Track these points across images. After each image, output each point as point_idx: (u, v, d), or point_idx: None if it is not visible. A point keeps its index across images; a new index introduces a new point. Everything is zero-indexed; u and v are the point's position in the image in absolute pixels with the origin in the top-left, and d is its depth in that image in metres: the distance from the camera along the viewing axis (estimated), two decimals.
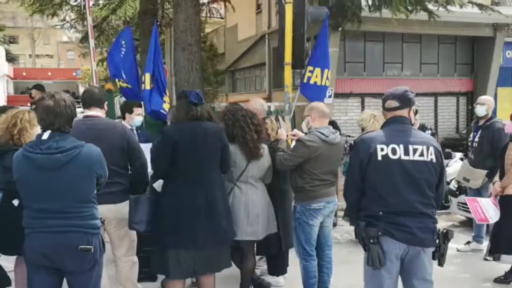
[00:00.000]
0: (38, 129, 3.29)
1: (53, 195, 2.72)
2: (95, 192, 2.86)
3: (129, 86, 6.35)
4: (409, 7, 8.63)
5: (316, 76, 6.08)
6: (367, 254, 2.88)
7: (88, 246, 2.74)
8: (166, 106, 6.03)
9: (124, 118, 5.13)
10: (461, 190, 6.32)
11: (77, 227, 2.74)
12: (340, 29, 12.11)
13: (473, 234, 5.86)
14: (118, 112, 7.63)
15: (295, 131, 4.26)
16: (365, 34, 14.49)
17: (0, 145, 3.57)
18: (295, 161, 3.90)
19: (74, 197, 2.76)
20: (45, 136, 2.74)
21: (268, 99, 16.15)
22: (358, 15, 9.44)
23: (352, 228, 6.08)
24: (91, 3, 10.20)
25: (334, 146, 3.97)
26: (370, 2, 9.03)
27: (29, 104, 8.21)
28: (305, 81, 6.15)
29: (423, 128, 6.18)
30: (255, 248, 4.30)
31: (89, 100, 3.71)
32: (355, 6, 9.12)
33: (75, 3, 15.31)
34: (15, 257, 3.73)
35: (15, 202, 3.44)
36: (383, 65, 15.82)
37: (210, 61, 19.63)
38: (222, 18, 19.49)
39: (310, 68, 6.09)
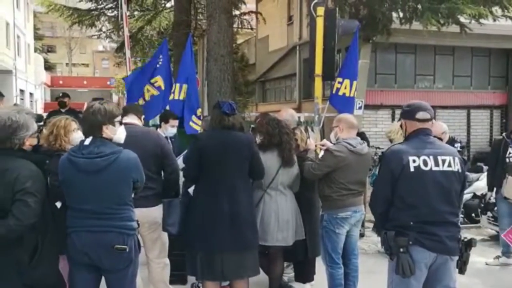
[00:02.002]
0: (76, 135, 3.51)
1: (92, 197, 2.90)
2: (132, 195, 3.02)
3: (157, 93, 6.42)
4: (440, 20, 8.61)
5: (345, 88, 6.16)
6: (396, 263, 2.93)
7: (123, 246, 2.90)
8: (195, 126, 6.08)
9: (161, 126, 5.36)
10: (488, 205, 6.28)
11: (114, 227, 2.91)
12: (371, 41, 12.12)
13: (502, 249, 5.80)
14: None
15: (324, 141, 4.36)
16: (396, 46, 14.43)
17: (44, 151, 3.79)
18: (323, 171, 4.02)
19: (111, 199, 2.92)
20: (87, 141, 2.94)
21: (298, 109, 16.25)
22: (389, 27, 9.47)
23: (380, 239, 6.11)
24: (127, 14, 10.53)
25: (362, 156, 4.06)
26: (401, 15, 9.04)
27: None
28: (334, 92, 6.24)
29: (452, 141, 6.13)
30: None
31: (127, 109, 3.91)
32: (386, 19, 9.15)
33: (111, 14, 15.83)
34: None
35: (58, 204, 3.64)
36: (415, 77, 15.69)
37: (241, 71, 19.90)
38: (253, 29, 19.74)
39: (339, 79, 6.18)
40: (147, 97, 6.18)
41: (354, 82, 6.15)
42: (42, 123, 4.47)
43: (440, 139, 6.09)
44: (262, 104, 21.79)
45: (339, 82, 6.18)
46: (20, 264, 2.68)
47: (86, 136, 2.95)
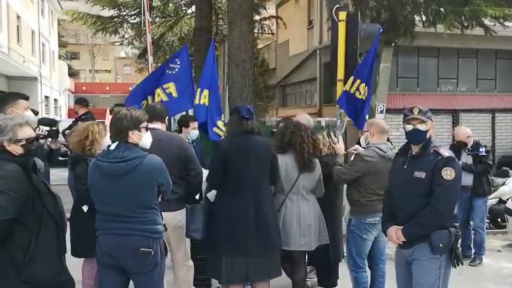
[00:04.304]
0: (107, 140, 3.58)
1: (117, 200, 2.96)
2: (159, 199, 3.06)
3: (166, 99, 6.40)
4: (464, 23, 8.50)
5: (356, 88, 5.98)
6: (455, 257, 3.14)
7: (148, 249, 2.95)
8: (218, 131, 6.07)
9: (180, 131, 5.38)
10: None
11: (139, 231, 2.96)
12: (392, 44, 12.03)
13: None
14: None
15: (356, 146, 4.34)
16: (418, 49, 14.27)
17: (72, 156, 3.88)
18: (353, 175, 4.03)
19: (135, 203, 2.98)
20: (113, 146, 3.00)
21: (319, 114, 16.20)
22: (411, 30, 9.39)
23: None
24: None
25: (391, 161, 4.02)
26: (423, 18, 8.96)
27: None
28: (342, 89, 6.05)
29: (477, 145, 6.04)
30: (306, 259, 4.39)
31: (151, 115, 3.96)
32: (408, 22, 9.08)
33: (134, 21, 16.07)
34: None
35: (85, 208, 3.72)
36: (438, 80, 15.49)
37: (261, 76, 19.97)
38: (273, 34, 19.78)
39: (351, 78, 6.06)
40: (156, 100, 6.19)
41: (363, 84, 5.97)
42: (56, 128, 4.53)
43: (465, 143, 6.04)
44: (282, 109, 21.78)
45: (352, 82, 6.07)
46: (15, 261, 2.73)
47: (113, 141, 3.01)
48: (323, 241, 4.09)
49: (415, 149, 3.26)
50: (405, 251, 3.27)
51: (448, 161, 3.10)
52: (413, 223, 3.13)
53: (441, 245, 3.07)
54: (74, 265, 3.17)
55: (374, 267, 4.16)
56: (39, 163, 3.68)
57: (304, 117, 4.86)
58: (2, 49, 19.62)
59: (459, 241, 3.23)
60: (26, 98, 4.13)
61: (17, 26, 24.12)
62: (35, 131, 3.14)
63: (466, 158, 5.97)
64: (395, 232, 3.23)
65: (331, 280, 4.67)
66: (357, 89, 5.76)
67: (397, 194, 3.28)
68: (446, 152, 3.17)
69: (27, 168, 2.86)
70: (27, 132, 2.92)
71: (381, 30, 6.09)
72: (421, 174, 3.12)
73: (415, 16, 9.18)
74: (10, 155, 2.85)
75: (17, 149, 2.87)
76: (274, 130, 5.15)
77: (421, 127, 3.16)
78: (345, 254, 5.35)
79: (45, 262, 2.82)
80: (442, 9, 8.46)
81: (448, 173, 3.06)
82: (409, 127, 3.20)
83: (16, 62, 21.81)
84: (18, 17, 24.26)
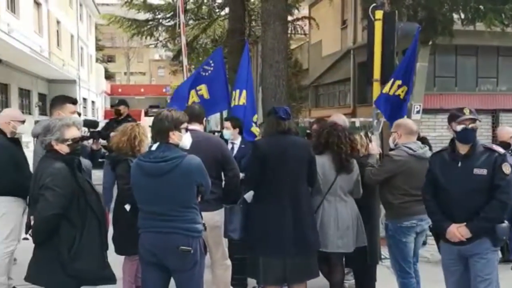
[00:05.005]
0: (148, 140, 3.68)
1: (158, 199, 3.02)
2: (199, 198, 3.11)
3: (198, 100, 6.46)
4: (504, 21, 8.25)
5: (396, 89, 5.91)
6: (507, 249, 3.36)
7: (187, 248, 2.99)
8: (254, 131, 6.12)
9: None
10: None
11: (179, 229, 3.00)
12: (430, 43, 11.79)
13: None
14: None
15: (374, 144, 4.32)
16: (456, 48, 13.94)
17: (112, 156, 3.98)
18: (382, 176, 3.98)
19: (176, 202, 3.03)
20: (154, 147, 3.07)
21: (353, 114, 16.03)
22: (450, 29, 9.18)
23: None
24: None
25: (424, 160, 3.95)
26: (462, 16, 8.75)
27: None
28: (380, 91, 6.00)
29: None
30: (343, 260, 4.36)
31: (190, 116, 4.01)
32: (446, 20, 8.89)
33: (168, 24, 16.33)
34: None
35: (127, 207, 3.82)
36: (476, 79, 15.08)
37: (294, 76, 19.92)
38: (306, 34, 19.72)
39: (391, 81, 5.98)
40: (189, 102, 6.28)
41: (404, 86, 5.89)
42: (97, 129, 4.64)
43: (509, 144, 5.85)
44: (315, 109, 21.66)
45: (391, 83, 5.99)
46: (61, 256, 2.86)
47: (154, 142, 3.08)
48: (361, 243, 4.04)
49: (463, 148, 3.31)
50: (463, 247, 3.32)
51: (504, 156, 3.27)
52: (480, 218, 3.22)
53: (504, 237, 3.26)
54: (115, 262, 3.24)
55: None
56: (86, 163, 3.82)
57: (339, 118, 4.82)
58: (43, 53, 20.28)
59: None
60: (74, 102, 4.29)
61: (57, 31, 24.89)
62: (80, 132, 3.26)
63: (509, 159, 5.77)
64: (458, 230, 3.28)
65: (369, 283, 4.60)
66: (396, 90, 5.70)
67: (456, 192, 3.30)
68: (500, 149, 3.30)
69: (72, 166, 2.98)
70: (73, 133, 3.05)
71: (419, 29, 5.97)
72: (482, 171, 3.22)
73: (453, 14, 8.97)
74: (57, 154, 3.00)
75: (63, 149, 3.01)
76: (309, 131, 5.15)
77: (473, 126, 3.26)
78: (382, 256, 5.30)
79: (89, 257, 2.93)
80: (481, 7, 8.25)
81: (507, 168, 3.21)
82: (460, 127, 3.26)
83: (56, 65, 22.49)
84: (58, 22, 25.03)
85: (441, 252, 3.61)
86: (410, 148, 3.96)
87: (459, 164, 3.30)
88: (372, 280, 4.62)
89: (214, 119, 14.21)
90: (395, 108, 5.78)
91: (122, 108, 8.03)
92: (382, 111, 5.74)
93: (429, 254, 6.11)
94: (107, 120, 10.74)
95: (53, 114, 4.06)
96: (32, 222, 2.97)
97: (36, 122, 6.34)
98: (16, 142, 4.57)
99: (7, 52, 16.68)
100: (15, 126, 4.51)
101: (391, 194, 3.98)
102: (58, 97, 4.48)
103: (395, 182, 3.95)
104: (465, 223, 3.24)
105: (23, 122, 4.60)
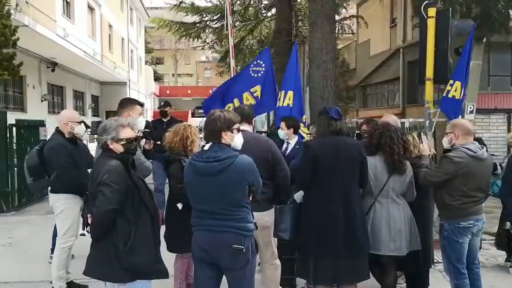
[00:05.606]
0: (199, 140, 3.76)
1: (211, 198, 3.07)
2: (249, 198, 3.14)
3: (254, 102, 6.49)
4: None
5: (455, 90, 5.86)
6: None
7: (240, 246, 3.02)
8: (302, 133, 6.11)
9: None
10: None
11: (232, 228, 3.05)
12: (484, 40, 11.36)
13: None
14: None
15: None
16: None
17: (166, 156, 4.08)
18: (441, 178, 3.88)
19: (228, 201, 3.07)
20: (207, 147, 3.12)
21: (402, 114, 15.69)
22: (506, 25, 8.81)
23: (499, 252, 5.70)
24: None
25: (483, 162, 3.88)
26: None
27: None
28: (444, 94, 5.95)
29: None
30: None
31: (240, 117, 4.06)
32: (502, 17, 8.53)
33: (215, 26, 16.55)
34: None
35: (179, 206, 3.90)
36: None
37: (341, 76, 19.72)
38: (354, 34, 19.46)
39: (450, 81, 5.88)
40: (245, 104, 6.29)
41: (462, 85, 5.83)
42: (150, 130, 4.76)
43: None
44: (363, 110, 21.35)
45: (450, 85, 5.89)
46: (117, 250, 2.96)
47: (207, 142, 3.13)
48: (414, 246, 3.95)
49: None
50: None
51: None
52: None
53: None
54: (166, 260, 3.32)
55: (468, 271, 3.99)
56: (147, 163, 3.96)
57: (391, 118, 4.73)
58: (96, 57, 21.05)
59: None
60: (141, 104, 4.47)
61: (109, 35, 25.77)
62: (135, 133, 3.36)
63: None
64: None
65: (421, 287, 4.50)
66: (456, 90, 5.62)
67: None
68: None
69: (127, 164, 3.09)
70: (127, 133, 3.16)
71: (474, 26, 5.78)
72: None
73: (510, 10, 8.61)
74: (112, 152, 3.11)
75: (118, 148, 3.13)
76: (358, 131, 5.08)
77: None
78: (435, 260, 5.16)
79: (143, 251, 3.03)
80: None
81: None
82: None
83: (108, 68, 23.30)
84: (110, 26, 25.91)
85: None
86: (469, 149, 3.86)
87: None
88: (425, 284, 4.50)
89: (259, 120, 14.27)
90: (455, 109, 5.78)
91: (168, 109, 8.18)
92: (451, 115, 5.68)
93: (484, 259, 5.91)
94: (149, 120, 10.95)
95: (123, 115, 4.23)
96: (89, 219, 3.09)
97: (96, 123, 6.59)
98: (73, 142, 4.77)
99: (63, 56, 17.47)
100: (72, 126, 4.71)
101: (449, 196, 3.89)
102: (126, 99, 4.67)
103: (454, 184, 3.86)
104: None
105: (80, 123, 4.80)
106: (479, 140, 4.96)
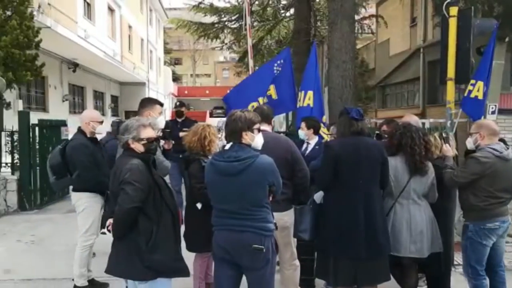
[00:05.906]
0: (218, 141, 3.77)
1: (231, 198, 3.08)
2: (270, 198, 3.14)
3: (266, 101, 6.46)
4: None
5: (478, 90, 5.79)
6: None
7: (260, 246, 3.03)
8: (322, 133, 6.07)
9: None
10: None
11: (252, 228, 3.05)
12: (506, 39, 11.15)
13: None
14: None
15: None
16: None
17: (186, 156, 4.11)
18: (468, 178, 3.85)
19: (248, 201, 3.07)
20: (227, 146, 3.13)
21: (422, 115, 15.51)
22: None
23: None
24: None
25: (508, 162, 3.86)
26: None
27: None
28: (465, 94, 5.88)
29: None
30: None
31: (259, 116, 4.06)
32: None
33: (233, 26, 16.60)
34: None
35: (199, 206, 3.93)
36: None
37: (360, 76, 19.59)
38: (373, 33, 19.31)
39: (472, 81, 5.80)
40: (260, 102, 6.30)
41: (484, 84, 5.75)
42: (169, 130, 4.79)
43: None
44: (382, 110, 21.16)
45: (471, 84, 5.82)
46: (139, 248, 2.99)
47: (228, 142, 3.14)
48: (436, 248, 3.89)
49: None
50: None
51: None
52: None
53: None
54: (186, 259, 3.33)
55: (492, 275, 3.95)
56: (166, 163, 3.99)
57: (412, 119, 4.68)
58: (115, 57, 21.30)
59: None
60: (162, 104, 4.52)
61: (129, 36, 26.04)
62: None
63: None
64: None
65: None
66: (478, 90, 5.56)
67: None
68: None
69: (148, 163, 3.12)
70: (148, 133, 3.20)
71: (497, 25, 5.69)
72: None
73: None
74: (133, 152, 3.14)
75: (139, 147, 3.17)
76: (378, 132, 5.04)
77: None
78: (455, 262, 5.08)
79: (164, 249, 3.05)
80: None
81: None
82: None
83: (127, 68, 23.54)
84: (130, 27, 26.19)
85: None
86: (495, 149, 3.84)
87: None
88: (446, 286, 4.45)
89: (277, 120, 14.26)
90: (478, 109, 5.74)
91: (183, 109, 8.11)
92: (474, 115, 5.62)
93: (507, 262, 5.79)
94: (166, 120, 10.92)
95: (143, 114, 4.27)
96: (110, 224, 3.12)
97: (117, 122, 6.67)
98: (95, 141, 4.83)
99: (83, 57, 17.71)
100: (94, 126, 4.78)
101: (474, 196, 3.85)
102: (147, 98, 4.71)
103: (480, 184, 3.83)
104: None
105: (101, 122, 4.87)
106: (502, 141, 4.89)
